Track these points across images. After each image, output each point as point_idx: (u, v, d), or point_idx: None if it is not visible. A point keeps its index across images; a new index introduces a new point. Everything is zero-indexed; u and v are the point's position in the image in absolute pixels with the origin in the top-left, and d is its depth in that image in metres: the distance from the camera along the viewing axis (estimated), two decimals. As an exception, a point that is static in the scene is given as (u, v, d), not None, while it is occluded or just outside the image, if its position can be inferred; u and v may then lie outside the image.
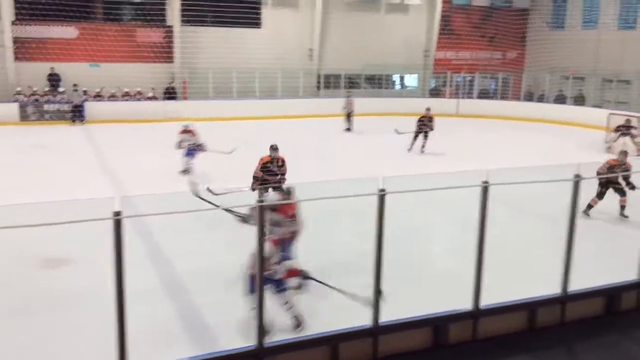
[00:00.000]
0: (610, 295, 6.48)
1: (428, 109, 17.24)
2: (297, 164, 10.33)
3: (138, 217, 7.81)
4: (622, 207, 10.29)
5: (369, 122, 21.68)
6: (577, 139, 19.77)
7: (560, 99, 25.80)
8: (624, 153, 10.41)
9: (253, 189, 9.32)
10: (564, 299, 6.18)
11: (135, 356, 4.60)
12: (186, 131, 13.58)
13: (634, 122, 18.00)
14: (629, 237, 8.30)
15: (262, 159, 9.64)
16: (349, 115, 21.06)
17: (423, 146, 16.78)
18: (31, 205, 8.78)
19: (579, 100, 25.33)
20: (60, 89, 21.52)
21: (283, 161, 9.74)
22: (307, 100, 24.52)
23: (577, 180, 5.96)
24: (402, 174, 5.10)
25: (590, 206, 10.11)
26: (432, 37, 27.69)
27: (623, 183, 10.14)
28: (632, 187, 9.98)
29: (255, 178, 9.55)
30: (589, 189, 5.96)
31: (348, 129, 20.95)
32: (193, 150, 13.32)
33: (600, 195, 10.10)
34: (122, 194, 10.80)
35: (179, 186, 10.45)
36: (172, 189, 10.21)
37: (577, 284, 6.22)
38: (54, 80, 21.78)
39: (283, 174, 9.67)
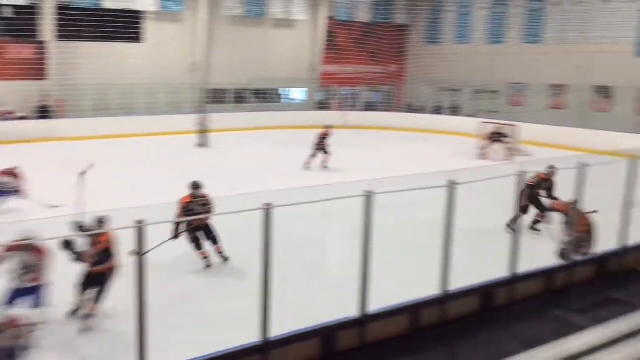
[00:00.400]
0: (485, 292, 6.88)
1: (328, 127, 17.22)
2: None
3: None
4: (537, 222, 10.18)
5: (257, 136, 21.71)
6: (454, 146, 20.96)
7: (438, 110, 27.28)
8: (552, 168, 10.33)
9: (176, 237, 8.28)
10: (444, 299, 6.48)
11: None
12: (8, 173, 11.90)
13: (504, 130, 19.38)
14: (500, 234, 8.83)
15: (181, 200, 8.51)
16: (203, 131, 20.57)
17: (324, 162, 16.74)
18: None
19: (455, 111, 26.92)
20: None
21: (206, 199, 8.55)
22: (194, 115, 24.06)
23: (451, 187, 6.31)
24: (288, 188, 5.12)
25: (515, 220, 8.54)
26: (317, 51, 28.29)
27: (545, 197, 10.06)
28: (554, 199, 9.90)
29: (176, 224, 8.36)
30: (466, 193, 6.31)
31: (202, 145, 20.42)
32: (7, 193, 11.69)
33: (523, 209, 9.21)
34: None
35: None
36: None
37: (456, 284, 6.56)
38: None
39: (208, 212, 8.41)
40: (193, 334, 6.20)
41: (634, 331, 5.40)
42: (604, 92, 22.95)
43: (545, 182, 10.29)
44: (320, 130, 17.20)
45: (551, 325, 6.69)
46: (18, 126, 20.59)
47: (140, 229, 4.43)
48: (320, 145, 16.89)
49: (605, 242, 8.21)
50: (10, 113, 21.07)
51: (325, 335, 5.83)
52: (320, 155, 16.87)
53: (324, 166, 16.74)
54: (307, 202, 5.69)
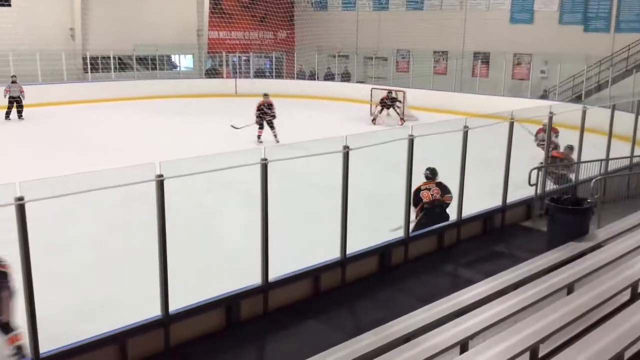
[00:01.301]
0: (383, 252, 7.12)
1: (266, 95, 16.18)
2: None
3: None
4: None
5: (147, 105, 20.86)
6: (346, 113, 21.29)
7: (330, 76, 27.53)
8: (570, 148, 10.79)
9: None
10: (344, 262, 6.62)
11: None
12: None
13: (394, 95, 19.94)
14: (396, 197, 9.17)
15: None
16: (13, 102, 18.94)
17: (275, 136, 15.60)
18: None
19: (345, 77, 27.29)
20: None
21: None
22: (73, 84, 22.61)
23: (345, 152, 6.39)
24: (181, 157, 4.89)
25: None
26: (204, 16, 27.42)
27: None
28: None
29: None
30: (361, 159, 6.42)
31: (7, 117, 18.83)
32: None
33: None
34: None
35: None
36: None
37: (356, 247, 6.72)
38: None
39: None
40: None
41: (518, 282, 5.82)
42: (483, 58, 24.20)
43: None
44: (261, 100, 16.06)
45: (444, 280, 7.08)
46: None
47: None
48: (263, 117, 15.71)
49: (490, 201, 8.75)
50: None
51: (228, 305, 5.77)
52: (267, 129, 15.70)
53: (277, 140, 15.44)
54: (202, 172, 5.52)
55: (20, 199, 4.16)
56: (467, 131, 7.77)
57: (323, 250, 6.75)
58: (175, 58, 28.35)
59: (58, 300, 6.08)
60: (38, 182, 4.23)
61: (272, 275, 5.99)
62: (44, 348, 4.51)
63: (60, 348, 4.69)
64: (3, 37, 20.98)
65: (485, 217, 8.61)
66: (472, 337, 4.70)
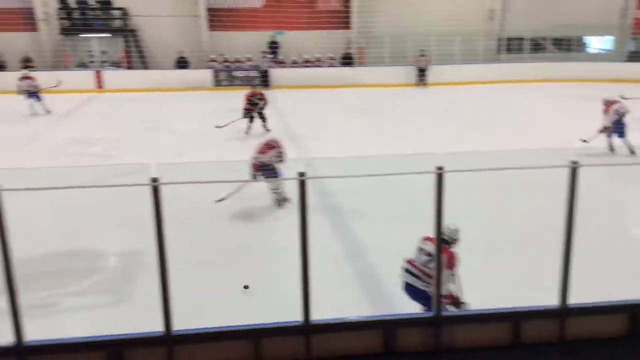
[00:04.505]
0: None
1: (255, 86, 15.80)
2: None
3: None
4: None
5: (559, 89, 20.26)
6: None
7: None
8: None
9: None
10: None
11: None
12: (26, 78, 16.68)
13: None
14: None
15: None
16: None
17: (265, 126, 14.23)
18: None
19: None
20: (280, 57, 23.06)
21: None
22: (486, 65, 23.44)
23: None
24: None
25: None
26: (631, -6, 24.80)
27: None
28: None
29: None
30: None
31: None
32: (34, 93, 16.59)
33: None
34: (305, 156, 11.36)
35: (364, 150, 10.84)
36: (356, 152, 10.53)
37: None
38: (274, 47, 23.28)
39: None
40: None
41: None
42: None
43: None
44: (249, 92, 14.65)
45: None
46: (324, 72, 22.65)
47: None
48: (252, 110, 14.22)
49: None
50: (319, 60, 23.24)
51: (634, 313, 5.25)
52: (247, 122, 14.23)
53: (247, 132, 14.00)
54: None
55: (440, 168, 4.47)
56: None
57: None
58: (589, 39, 26.52)
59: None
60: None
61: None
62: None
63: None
64: (427, 19, 23.00)
65: None
66: None
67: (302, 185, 3.58)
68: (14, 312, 3.47)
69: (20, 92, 16.66)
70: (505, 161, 6.73)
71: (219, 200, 8.44)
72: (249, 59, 22.87)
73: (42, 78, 17.25)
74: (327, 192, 9.11)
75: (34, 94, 16.67)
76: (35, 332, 3.59)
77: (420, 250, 5.31)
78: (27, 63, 21.17)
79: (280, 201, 8.73)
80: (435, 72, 22.44)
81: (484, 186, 8.98)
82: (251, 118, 14.27)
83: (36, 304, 5.59)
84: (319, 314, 3.91)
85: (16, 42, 21.93)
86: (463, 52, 23.52)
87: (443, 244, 4.78)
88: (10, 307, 3.44)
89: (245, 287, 6.10)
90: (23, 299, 3.51)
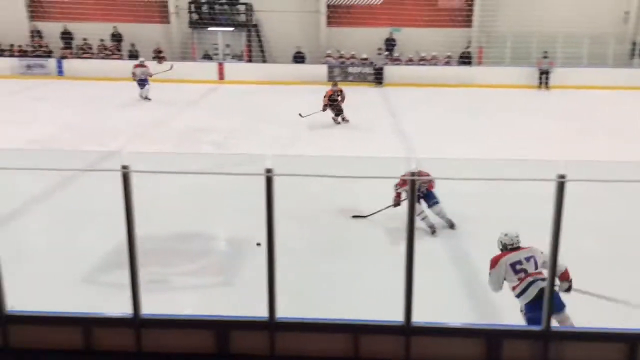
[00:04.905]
0: None
1: (335, 84, 15.53)
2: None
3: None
4: None
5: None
6: None
7: None
8: None
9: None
10: None
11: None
12: (141, 65, 17.96)
13: None
14: None
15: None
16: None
17: (344, 118, 15.09)
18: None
19: None
20: (395, 53, 22.99)
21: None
22: (615, 70, 21.86)
23: None
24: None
25: None
26: None
27: None
28: None
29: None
30: None
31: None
32: (144, 80, 17.77)
33: None
34: (413, 156, 11.23)
35: (475, 152, 10.56)
36: (467, 154, 10.28)
37: None
38: (391, 44, 23.24)
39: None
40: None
41: None
42: None
43: None
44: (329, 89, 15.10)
45: None
46: (440, 71, 22.22)
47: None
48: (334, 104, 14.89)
49: None
50: (435, 58, 22.82)
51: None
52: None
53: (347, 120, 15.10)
54: None
55: (562, 176, 4.28)
56: None
57: None
58: None
59: None
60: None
61: None
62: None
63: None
64: (555, 19, 21.78)
65: None
66: None
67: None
68: (134, 286, 3.73)
69: (134, 78, 17.94)
70: (632, 173, 6.25)
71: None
72: (364, 60, 22.80)
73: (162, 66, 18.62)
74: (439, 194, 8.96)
75: (144, 80, 17.88)
76: (149, 305, 3.83)
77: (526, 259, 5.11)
78: (158, 54, 22.64)
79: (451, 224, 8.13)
80: (559, 75, 21.31)
81: (604, 198, 8.45)
82: (337, 112, 15.03)
83: (152, 280, 5.97)
84: (420, 317, 3.87)
85: (150, 33, 23.45)
86: (591, 55, 22.07)
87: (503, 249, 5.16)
88: (130, 281, 3.70)
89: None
90: (141, 274, 3.76)
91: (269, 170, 3.55)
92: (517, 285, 5.01)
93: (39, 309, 3.89)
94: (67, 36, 23.72)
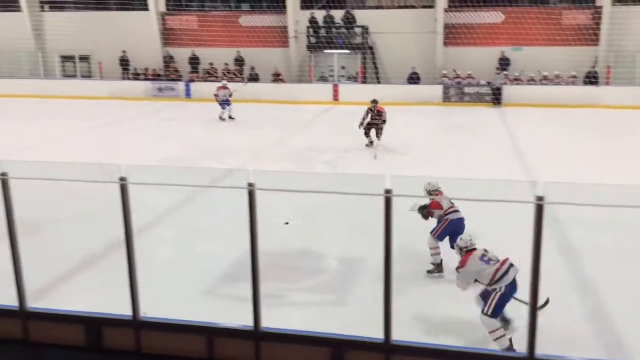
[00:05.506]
0: None
1: (375, 101, 14.48)
2: None
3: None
4: None
5: None
6: None
7: None
8: None
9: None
10: None
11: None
12: (223, 87, 18.71)
13: None
14: None
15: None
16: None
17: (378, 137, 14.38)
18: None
19: None
20: (516, 73, 22.27)
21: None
22: None
23: None
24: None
25: None
26: None
27: None
28: None
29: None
30: None
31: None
32: (226, 101, 18.57)
33: None
34: (531, 179, 10.77)
35: (601, 178, 9.95)
36: (593, 179, 9.71)
37: None
38: (504, 63, 22.65)
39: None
40: None
41: None
42: None
43: None
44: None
45: None
46: (563, 91, 21.17)
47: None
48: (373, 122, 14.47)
49: None
50: (558, 77, 21.77)
51: None
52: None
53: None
54: None
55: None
56: None
57: None
58: None
59: None
60: None
61: None
62: None
63: None
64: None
65: None
66: None
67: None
68: (255, 299, 3.88)
69: (216, 99, 18.76)
70: None
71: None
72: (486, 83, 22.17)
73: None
74: (558, 220, 8.51)
75: (227, 101, 18.68)
76: (265, 319, 3.96)
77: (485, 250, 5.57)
78: (277, 76, 23.52)
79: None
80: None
81: None
82: (377, 131, 14.44)
83: (269, 294, 6.16)
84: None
85: (270, 56, 24.45)
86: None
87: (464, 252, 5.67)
88: (252, 295, 3.85)
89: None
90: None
91: (387, 191, 3.58)
92: (498, 269, 5.34)
93: (167, 317, 4.16)
94: (194, 61, 25.36)
